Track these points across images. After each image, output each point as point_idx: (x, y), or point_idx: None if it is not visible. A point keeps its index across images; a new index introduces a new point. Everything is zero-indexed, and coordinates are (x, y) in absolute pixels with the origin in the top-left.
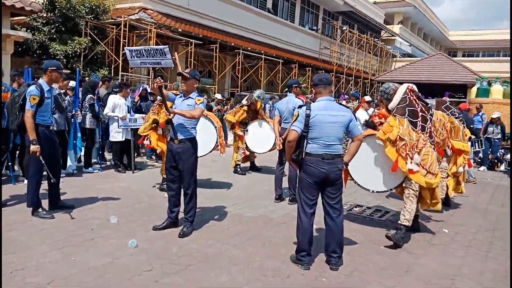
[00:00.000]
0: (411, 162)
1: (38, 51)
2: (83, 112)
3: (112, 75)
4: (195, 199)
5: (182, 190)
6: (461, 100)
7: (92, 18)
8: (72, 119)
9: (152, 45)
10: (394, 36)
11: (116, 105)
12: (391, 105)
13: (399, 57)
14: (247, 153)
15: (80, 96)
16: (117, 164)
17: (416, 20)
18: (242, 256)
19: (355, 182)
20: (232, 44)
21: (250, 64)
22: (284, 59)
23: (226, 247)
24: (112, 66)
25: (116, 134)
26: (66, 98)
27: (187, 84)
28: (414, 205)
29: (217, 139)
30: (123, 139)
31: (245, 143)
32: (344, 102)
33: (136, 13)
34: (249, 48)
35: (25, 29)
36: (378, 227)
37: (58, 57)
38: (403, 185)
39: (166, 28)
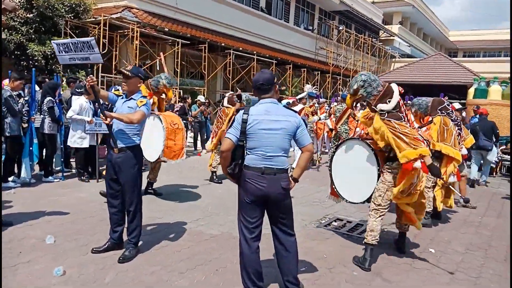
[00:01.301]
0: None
1: (16, 52)
2: (41, 116)
3: (94, 76)
4: (140, 218)
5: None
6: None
7: (73, 17)
8: (28, 124)
9: (135, 45)
10: (393, 36)
11: (83, 108)
12: (387, 107)
13: (398, 57)
14: None
15: (39, 98)
16: (80, 173)
17: (416, 20)
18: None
19: (335, 188)
20: (223, 44)
21: (242, 65)
22: (278, 60)
23: (170, 276)
24: (95, 67)
25: (80, 140)
26: (20, 101)
27: (129, 84)
28: (378, 221)
29: (163, 143)
30: (88, 146)
31: None
32: (334, 104)
33: (120, 12)
34: (241, 49)
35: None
36: (355, 246)
37: (36, 58)
38: (373, 196)
39: (151, 28)
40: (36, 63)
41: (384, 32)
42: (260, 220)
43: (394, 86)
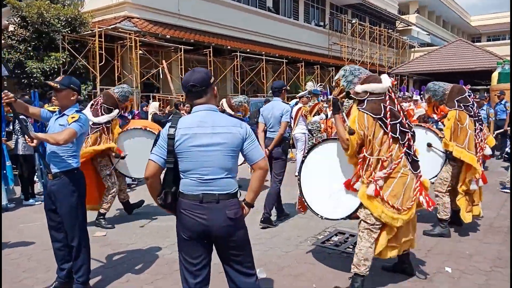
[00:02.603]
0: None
1: (15, 71)
2: (14, 136)
3: (97, 90)
4: (87, 253)
5: None
6: (487, 87)
7: (70, 32)
8: None
9: (136, 54)
10: (410, 25)
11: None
12: (365, 88)
13: (418, 47)
14: None
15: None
16: None
17: (433, 8)
18: None
19: (305, 202)
20: (229, 47)
21: (251, 67)
22: (289, 59)
23: None
24: (97, 80)
25: None
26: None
27: (60, 97)
28: (369, 244)
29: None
30: None
31: None
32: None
33: (118, 23)
34: (248, 50)
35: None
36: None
37: (35, 75)
38: (362, 214)
39: (151, 36)
40: (35, 80)
41: (401, 22)
42: (206, 260)
43: (386, 78)
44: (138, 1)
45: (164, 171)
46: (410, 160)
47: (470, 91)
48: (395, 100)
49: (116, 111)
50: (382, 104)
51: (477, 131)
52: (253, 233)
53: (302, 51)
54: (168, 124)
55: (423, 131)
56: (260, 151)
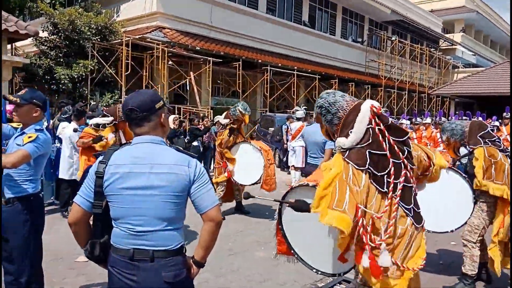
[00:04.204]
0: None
1: (45, 77)
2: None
3: (122, 99)
4: None
5: None
6: None
7: (100, 40)
8: None
9: (164, 65)
10: (455, 45)
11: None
12: (346, 142)
13: (462, 67)
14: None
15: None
16: (63, 207)
17: (481, 27)
18: None
19: (294, 253)
20: (260, 61)
21: (282, 82)
22: (322, 75)
23: None
24: (123, 89)
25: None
26: None
27: (20, 113)
28: None
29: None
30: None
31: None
32: (406, 123)
33: (149, 33)
34: (280, 64)
35: (31, 53)
36: None
37: (63, 81)
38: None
39: (180, 47)
40: (63, 87)
41: (445, 41)
42: None
43: (363, 107)
44: (170, 12)
45: (92, 217)
46: (412, 214)
47: (492, 126)
48: (380, 136)
49: (108, 118)
50: (367, 151)
51: (508, 168)
52: (244, 273)
53: (336, 67)
54: (98, 160)
55: (443, 171)
56: (212, 197)
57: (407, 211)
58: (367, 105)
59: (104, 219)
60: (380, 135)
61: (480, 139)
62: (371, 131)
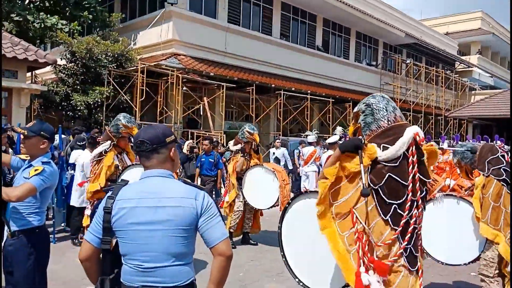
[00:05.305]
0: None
1: (62, 103)
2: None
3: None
4: None
5: None
6: None
7: (116, 67)
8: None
9: (178, 91)
10: (471, 67)
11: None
12: (379, 154)
13: (479, 89)
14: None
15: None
16: (74, 234)
17: (498, 49)
18: None
19: (283, 256)
20: (273, 85)
21: (296, 105)
22: (336, 98)
23: None
24: (138, 115)
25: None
26: None
27: (28, 145)
28: None
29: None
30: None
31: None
32: (445, 146)
33: (164, 59)
34: (293, 89)
35: (49, 80)
36: None
37: (79, 107)
38: None
39: (195, 73)
40: (79, 113)
41: (461, 63)
42: None
43: (409, 130)
44: (185, 39)
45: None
46: (406, 254)
47: (505, 150)
48: (412, 166)
49: (106, 143)
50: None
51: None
52: None
53: (351, 91)
54: (107, 195)
55: (454, 201)
56: (221, 230)
57: (403, 250)
58: (413, 131)
59: (114, 254)
60: (411, 165)
61: (487, 165)
62: (402, 156)
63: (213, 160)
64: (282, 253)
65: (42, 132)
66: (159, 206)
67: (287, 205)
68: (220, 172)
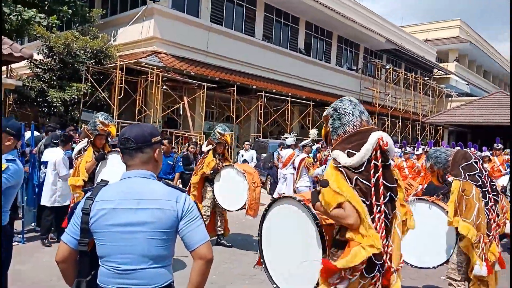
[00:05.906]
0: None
1: (38, 99)
2: None
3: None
4: None
5: None
6: None
7: (94, 63)
8: None
9: (158, 89)
10: (449, 74)
11: (59, 161)
12: (344, 161)
13: (455, 96)
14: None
15: None
16: (44, 234)
17: (474, 57)
18: None
19: (263, 262)
20: (254, 86)
21: (277, 108)
22: (316, 101)
23: None
24: (116, 113)
25: (60, 198)
26: None
27: None
28: None
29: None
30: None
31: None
32: (397, 151)
33: (144, 57)
34: (274, 90)
35: (25, 75)
36: None
37: (55, 104)
38: None
39: (175, 72)
40: (55, 110)
41: (439, 70)
42: None
43: (373, 136)
44: (167, 37)
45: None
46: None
47: (477, 157)
48: (374, 170)
49: (83, 141)
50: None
51: (490, 204)
52: None
53: (331, 94)
54: (86, 196)
55: (426, 206)
56: (203, 233)
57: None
58: (376, 137)
59: (91, 256)
60: (373, 169)
61: (462, 170)
62: (367, 161)
63: (171, 163)
64: (262, 260)
65: (7, 128)
66: (139, 208)
67: (264, 212)
68: (178, 175)
